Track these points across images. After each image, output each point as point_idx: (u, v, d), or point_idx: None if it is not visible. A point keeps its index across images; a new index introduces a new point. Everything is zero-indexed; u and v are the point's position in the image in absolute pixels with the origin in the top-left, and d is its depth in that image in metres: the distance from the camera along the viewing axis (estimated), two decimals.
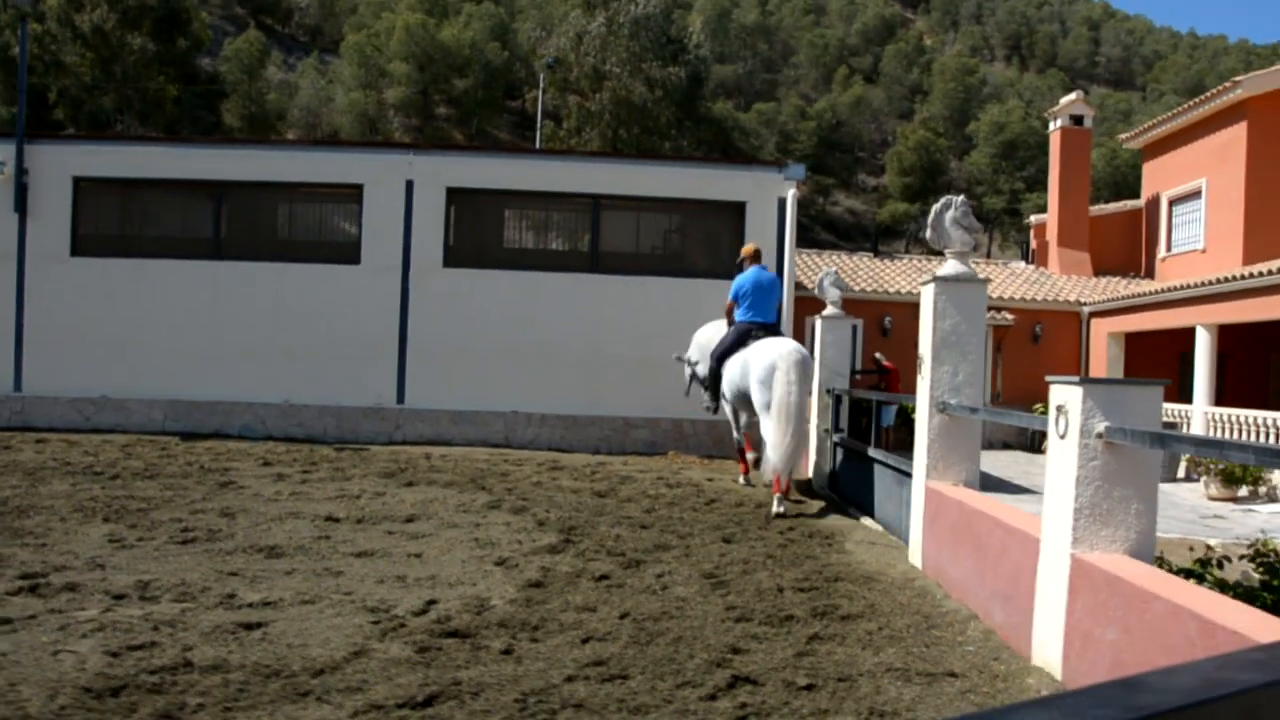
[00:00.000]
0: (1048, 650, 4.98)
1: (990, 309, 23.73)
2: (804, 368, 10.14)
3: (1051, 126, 27.70)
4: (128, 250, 16.01)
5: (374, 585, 6.36)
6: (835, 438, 12.09)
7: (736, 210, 15.75)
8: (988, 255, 51.34)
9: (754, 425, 11.16)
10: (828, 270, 12.91)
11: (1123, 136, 29.35)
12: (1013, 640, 5.48)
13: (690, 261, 16.10)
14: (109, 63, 45.27)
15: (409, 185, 15.44)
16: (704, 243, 16.33)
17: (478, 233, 16.39)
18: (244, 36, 51.10)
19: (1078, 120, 27.13)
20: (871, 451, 10.15)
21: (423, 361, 15.27)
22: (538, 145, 43.06)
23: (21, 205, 15.58)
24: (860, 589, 6.77)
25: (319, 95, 50.86)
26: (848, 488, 11.25)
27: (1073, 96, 27.77)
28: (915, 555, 7.56)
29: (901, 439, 12.90)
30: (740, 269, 11.57)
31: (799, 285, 16.78)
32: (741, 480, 11.96)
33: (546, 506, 9.75)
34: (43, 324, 15.79)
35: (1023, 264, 28.63)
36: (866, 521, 9.83)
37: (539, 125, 43.33)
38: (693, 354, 12.78)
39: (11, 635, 5.13)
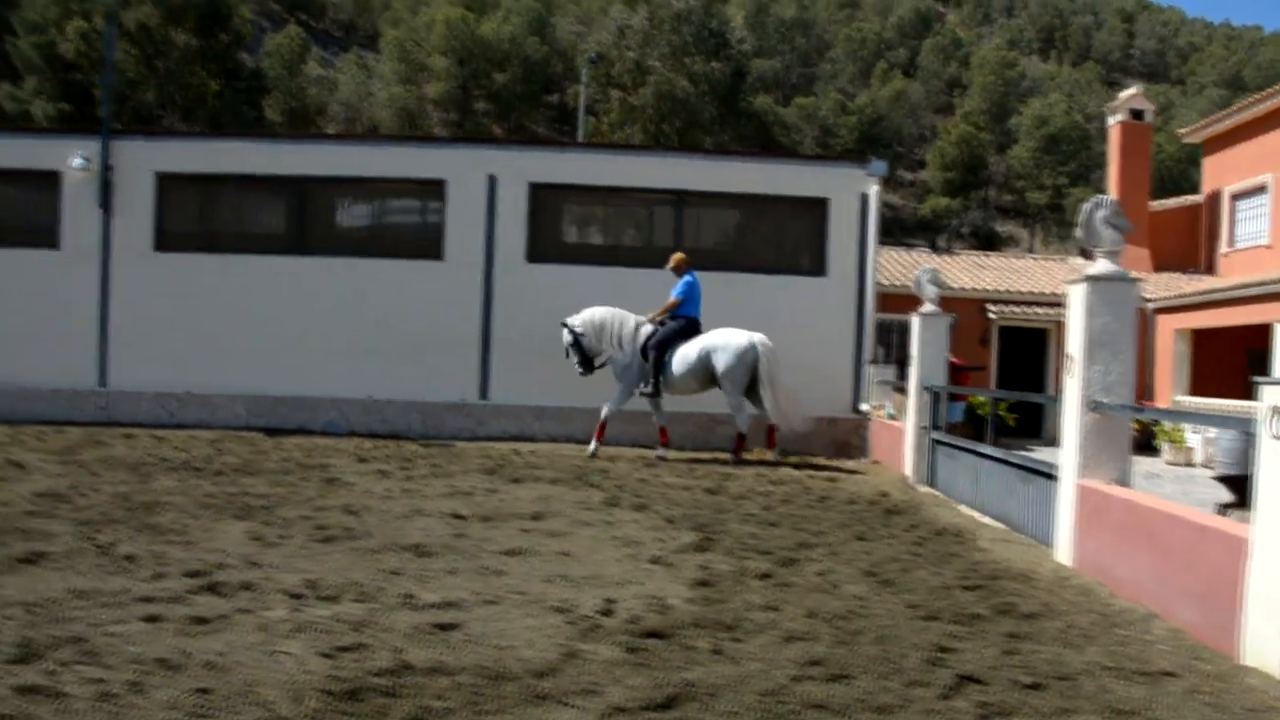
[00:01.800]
0: (1266, 650, 4.89)
1: (1052, 305, 23.54)
2: (770, 349, 13.26)
3: (1110, 121, 27.44)
4: (211, 246, 16.06)
5: (542, 585, 6.32)
6: (934, 435, 12.00)
7: (819, 206, 15.65)
8: (1030, 250, 50.99)
9: (653, 400, 13.59)
10: (925, 268, 12.86)
11: (1182, 131, 29.06)
12: (1210, 639, 5.39)
13: (772, 258, 16.02)
14: (152, 59, 45.49)
15: (492, 180, 15.42)
16: (786, 239, 16.25)
17: (560, 228, 16.36)
18: (284, 32, 51.34)
19: (1137, 115, 26.88)
20: (987, 449, 10.04)
21: (506, 357, 15.25)
22: (579, 140, 43.00)
23: (106, 202, 15.64)
24: (1024, 587, 6.70)
25: (359, 90, 50.93)
26: (950, 484, 11.17)
27: (1132, 90, 27.53)
28: (1064, 554, 7.47)
29: (967, 435, 12.87)
30: (678, 273, 13.51)
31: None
32: (660, 452, 13.56)
33: (665, 504, 9.69)
34: (127, 319, 15.86)
35: (1081, 260, 28.35)
36: (980, 517, 9.72)
37: (581, 120, 43.29)
38: (593, 334, 13.68)
39: (216, 635, 5.11)
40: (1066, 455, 7.48)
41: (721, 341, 13.21)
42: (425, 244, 15.98)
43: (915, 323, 12.51)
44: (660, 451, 13.51)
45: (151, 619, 5.33)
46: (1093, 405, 7.23)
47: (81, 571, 6.41)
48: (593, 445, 13.50)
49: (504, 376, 15.21)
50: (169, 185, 16.01)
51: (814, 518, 9.24)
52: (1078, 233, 7.40)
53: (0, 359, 15.69)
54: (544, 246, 15.57)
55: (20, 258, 15.88)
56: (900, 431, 13.35)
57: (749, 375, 13.21)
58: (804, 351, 15.36)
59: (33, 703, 4.11)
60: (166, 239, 15.96)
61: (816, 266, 15.73)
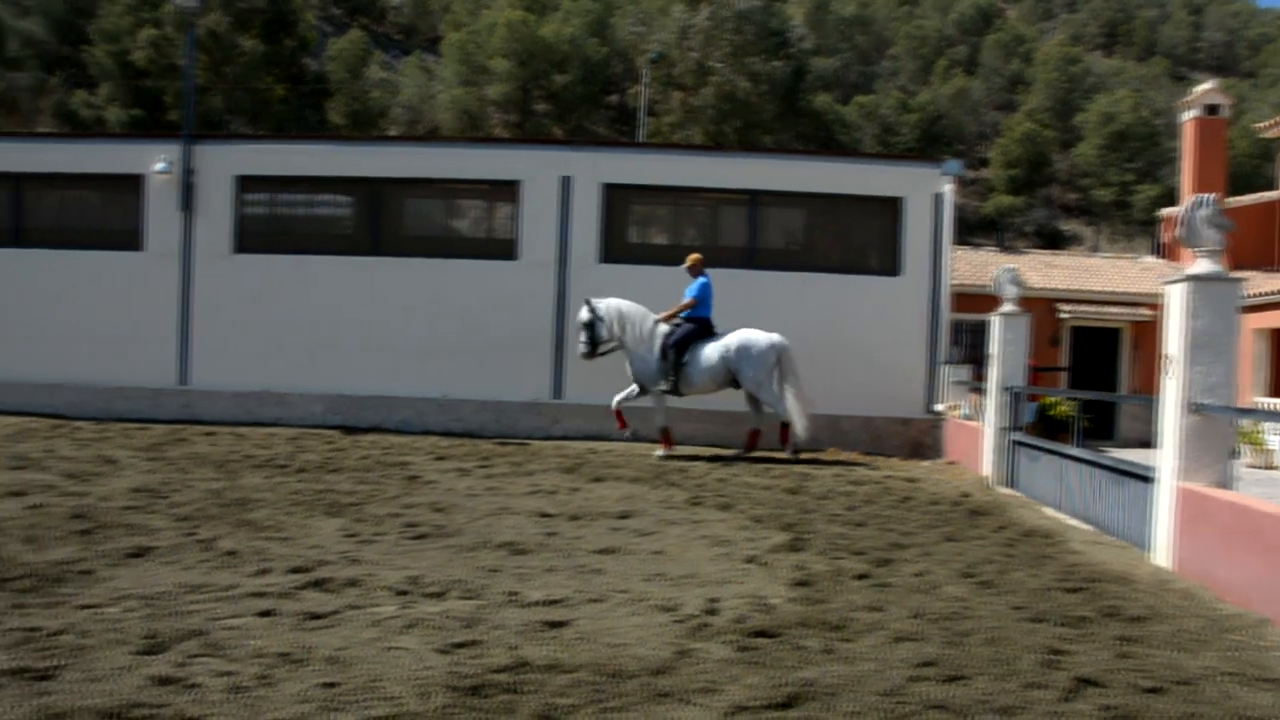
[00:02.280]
0: None
1: (1126, 304, 23.18)
2: (789, 350, 13.58)
3: (1183, 117, 26.92)
4: (288, 246, 16.32)
5: (643, 584, 6.34)
6: (1014, 436, 11.88)
7: (893, 206, 15.55)
8: (1095, 249, 50.21)
9: (660, 399, 13.69)
10: (1005, 267, 12.74)
11: (1258, 125, 28.42)
12: None
13: (845, 257, 15.95)
14: (221, 65, 46.21)
15: (566, 181, 15.50)
16: (859, 239, 16.17)
17: (633, 228, 16.42)
18: (347, 36, 51.87)
19: (1212, 110, 26.35)
20: (1073, 450, 9.92)
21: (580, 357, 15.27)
22: (640, 140, 43.04)
23: (188, 204, 15.94)
24: (1127, 590, 6.61)
25: (421, 93, 51.38)
26: (1032, 486, 11.06)
27: (1207, 85, 26.99)
28: (1162, 557, 7.36)
29: (1038, 436, 12.74)
30: (693, 273, 13.64)
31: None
32: (661, 453, 13.46)
33: (749, 504, 9.67)
34: (207, 319, 16.16)
35: (1153, 258, 27.90)
36: (1066, 519, 9.60)
37: (642, 121, 43.33)
38: (615, 323, 13.74)
39: (332, 630, 5.19)
40: (1165, 457, 7.37)
41: (743, 343, 13.41)
42: (499, 244, 16.12)
43: (996, 323, 12.39)
44: (662, 452, 13.52)
45: (265, 614, 5.43)
46: (1194, 407, 7.12)
47: (188, 566, 6.54)
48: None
49: (577, 376, 15.27)
50: (248, 188, 16.27)
51: (900, 518, 9.18)
52: (1179, 232, 7.28)
53: (86, 358, 16.02)
54: (617, 246, 15.62)
55: (105, 259, 16.24)
56: (978, 432, 13.23)
57: (771, 375, 13.44)
58: (877, 352, 15.28)
59: (171, 693, 4.22)
60: (245, 240, 16.23)
61: (890, 266, 15.63)
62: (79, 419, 15.57)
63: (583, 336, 13.66)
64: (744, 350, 13.38)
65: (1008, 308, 12.33)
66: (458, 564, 6.76)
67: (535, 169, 15.65)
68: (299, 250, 16.26)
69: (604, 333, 13.66)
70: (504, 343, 15.24)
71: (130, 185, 16.31)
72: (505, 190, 15.93)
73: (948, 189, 15.51)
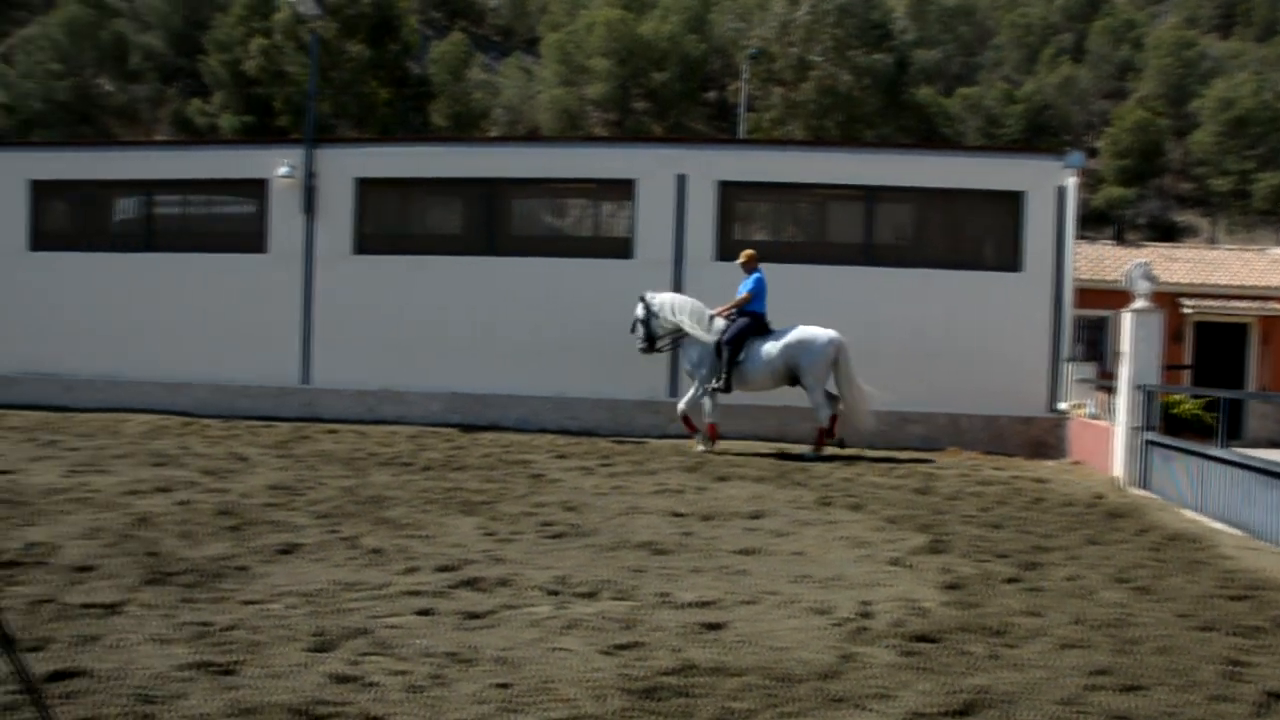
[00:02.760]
0: None
1: (1254, 298, 22.36)
2: (846, 346, 13.41)
3: None
4: (407, 247, 16.59)
5: (790, 586, 6.30)
6: (1148, 436, 11.53)
7: (1013, 200, 15.23)
8: (1212, 241, 48.52)
9: (713, 396, 13.64)
10: (1137, 262, 12.36)
11: None
12: None
13: (964, 253, 15.67)
14: (328, 70, 47.16)
15: (681, 180, 15.49)
16: (979, 233, 15.87)
17: (748, 225, 16.35)
18: (448, 39, 52.55)
19: None
20: (1217, 452, 9.58)
21: None
22: (740, 136, 42.81)
23: (310, 207, 16.31)
24: None
25: (521, 93, 51.85)
26: (1168, 487, 10.83)
27: None
28: None
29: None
30: (747, 269, 13.64)
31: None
32: (702, 446, 13.50)
33: (879, 504, 9.55)
34: (329, 319, 16.47)
35: None
36: (1209, 523, 9.28)
37: (742, 117, 43.08)
38: (667, 315, 13.87)
39: (493, 630, 5.24)
40: None
41: (803, 339, 13.40)
42: (614, 243, 16.19)
43: (1127, 319, 12.04)
44: (704, 445, 13.51)
45: (424, 613, 5.52)
46: None
47: (338, 564, 6.67)
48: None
49: None
50: (367, 190, 16.58)
51: (1035, 520, 8.97)
52: None
53: (212, 358, 16.48)
54: (732, 244, 15.55)
55: (230, 262, 16.69)
56: (1106, 432, 12.87)
57: (830, 372, 13.38)
58: (997, 349, 14.97)
59: (352, 691, 4.30)
60: (365, 242, 16.54)
61: (1011, 262, 15.31)
62: (206, 417, 16.01)
63: (640, 332, 13.86)
64: (803, 346, 13.40)
65: (1140, 304, 11.96)
66: (601, 564, 6.78)
67: (651, 167, 15.68)
68: (417, 251, 16.53)
69: (660, 327, 13.87)
70: (621, 340, 15.27)
71: (254, 189, 16.73)
72: (620, 189, 15.99)
73: (1070, 182, 15.12)
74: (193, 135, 51.07)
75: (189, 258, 16.95)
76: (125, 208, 17.97)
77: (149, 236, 17.21)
